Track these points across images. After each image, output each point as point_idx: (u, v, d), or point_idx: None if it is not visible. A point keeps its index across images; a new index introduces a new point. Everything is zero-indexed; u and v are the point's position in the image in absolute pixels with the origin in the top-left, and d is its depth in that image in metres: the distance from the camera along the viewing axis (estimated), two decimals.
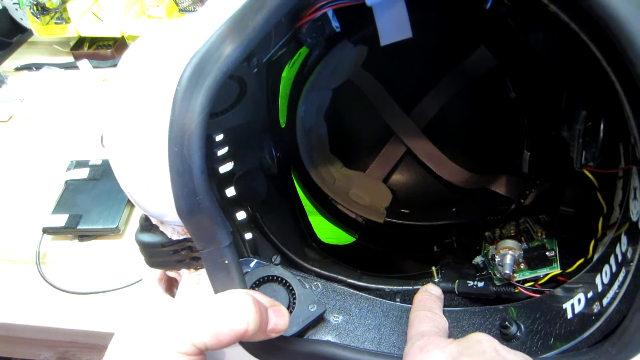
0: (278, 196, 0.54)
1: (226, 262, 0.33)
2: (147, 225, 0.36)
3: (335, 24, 0.39)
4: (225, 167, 0.47)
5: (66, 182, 0.75)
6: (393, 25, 0.37)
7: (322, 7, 0.35)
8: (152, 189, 0.31)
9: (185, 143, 0.29)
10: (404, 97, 0.61)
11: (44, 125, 0.92)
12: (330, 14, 0.38)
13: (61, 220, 0.69)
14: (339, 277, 0.47)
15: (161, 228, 0.35)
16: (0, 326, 0.63)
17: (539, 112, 0.45)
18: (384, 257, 0.57)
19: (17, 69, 1.07)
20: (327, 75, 0.55)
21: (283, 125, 0.55)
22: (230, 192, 0.46)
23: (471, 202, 0.57)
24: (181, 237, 0.35)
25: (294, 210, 0.56)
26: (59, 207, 0.71)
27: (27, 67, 1.07)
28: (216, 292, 0.33)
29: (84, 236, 0.70)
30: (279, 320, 0.33)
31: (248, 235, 0.46)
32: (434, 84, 0.59)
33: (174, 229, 0.34)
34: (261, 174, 0.49)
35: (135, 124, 0.31)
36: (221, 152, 0.46)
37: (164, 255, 0.35)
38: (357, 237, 0.59)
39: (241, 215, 0.47)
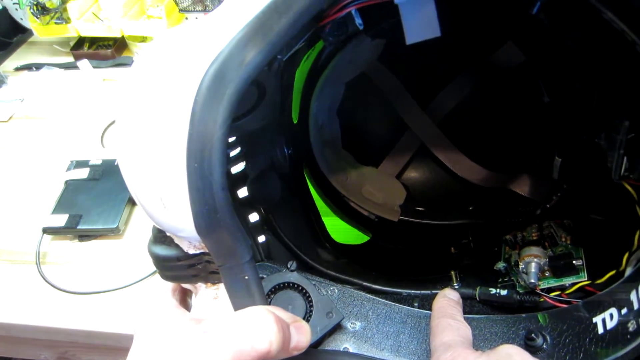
0: (290, 195, 0.52)
1: (246, 277, 0.32)
2: (160, 236, 0.34)
3: (358, 21, 0.36)
4: (237, 168, 0.45)
5: (66, 182, 0.75)
6: (420, 23, 0.35)
7: (346, 5, 0.33)
8: (169, 205, 0.29)
9: (205, 158, 0.27)
10: (420, 91, 0.58)
11: (43, 125, 0.92)
12: (353, 11, 0.35)
13: (61, 220, 0.69)
14: (355, 280, 0.45)
15: (176, 241, 0.33)
16: (0, 326, 0.63)
17: (570, 115, 0.43)
18: (399, 257, 0.56)
19: (17, 69, 1.07)
20: (342, 68, 0.53)
21: (295, 121, 0.53)
22: (242, 192, 0.45)
23: (490, 202, 0.55)
24: (198, 251, 0.33)
25: (306, 210, 0.54)
26: (59, 207, 0.71)
27: (27, 67, 1.07)
28: (236, 309, 0.32)
29: (84, 236, 0.70)
30: (301, 338, 0.32)
31: (261, 238, 0.45)
32: (452, 78, 0.56)
33: (191, 243, 0.33)
34: (275, 175, 0.47)
35: (151, 136, 0.29)
36: (233, 153, 0.44)
37: (179, 269, 0.34)
38: (370, 235, 0.57)
39: (254, 217, 0.46)
